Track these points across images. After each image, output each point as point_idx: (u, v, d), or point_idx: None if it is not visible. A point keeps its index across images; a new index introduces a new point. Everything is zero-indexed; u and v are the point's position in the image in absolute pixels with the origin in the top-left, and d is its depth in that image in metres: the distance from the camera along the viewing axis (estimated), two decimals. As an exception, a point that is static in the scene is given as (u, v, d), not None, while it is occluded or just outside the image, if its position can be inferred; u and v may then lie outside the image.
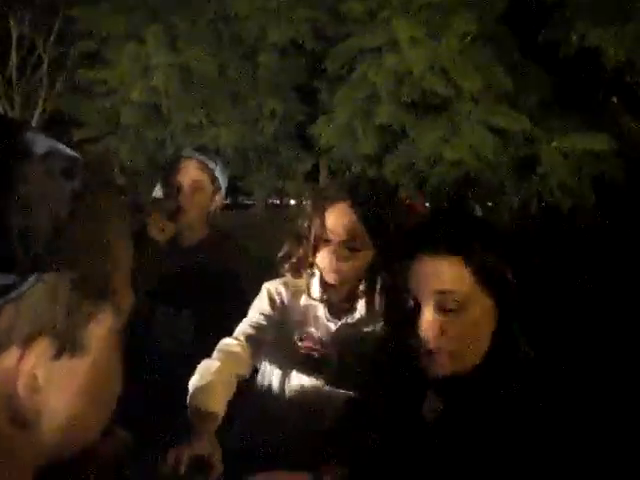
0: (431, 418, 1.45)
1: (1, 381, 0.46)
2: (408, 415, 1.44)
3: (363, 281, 1.83)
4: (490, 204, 4.72)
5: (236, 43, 4.97)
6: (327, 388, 1.85)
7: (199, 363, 1.82)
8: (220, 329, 1.90)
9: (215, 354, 1.80)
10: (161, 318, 2.18)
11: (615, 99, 5.20)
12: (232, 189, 5.24)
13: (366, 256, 1.79)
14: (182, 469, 1.42)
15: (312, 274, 1.90)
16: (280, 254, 1.92)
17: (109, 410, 0.57)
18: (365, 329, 1.86)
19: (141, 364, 1.81)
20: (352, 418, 1.62)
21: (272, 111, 4.80)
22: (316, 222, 1.79)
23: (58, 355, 0.48)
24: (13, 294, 0.45)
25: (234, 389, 1.73)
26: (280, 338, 1.90)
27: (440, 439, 1.39)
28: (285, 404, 1.90)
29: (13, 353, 0.46)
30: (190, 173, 2.26)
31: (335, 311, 1.88)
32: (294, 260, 1.91)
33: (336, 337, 1.86)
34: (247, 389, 1.95)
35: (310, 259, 1.86)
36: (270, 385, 1.95)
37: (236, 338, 1.84)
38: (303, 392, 1.89)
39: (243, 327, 1.89)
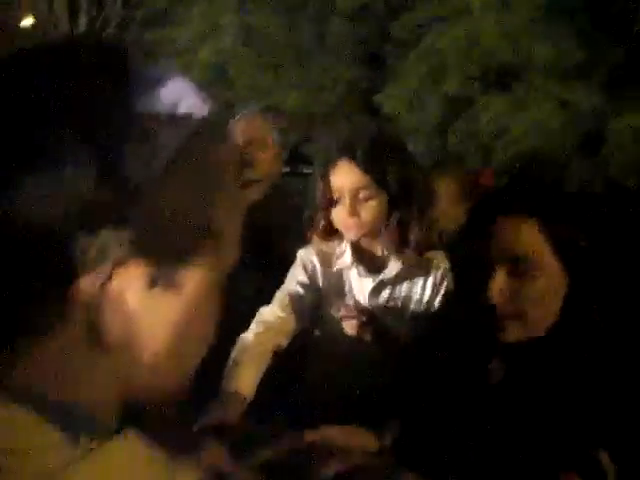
0: (494, 381, 1.46)
1: (90, 296, 0.45)
2: (470, 377, 1.45)
3: (388, 230, 1.82)
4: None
5: (305, 7, 4.95)
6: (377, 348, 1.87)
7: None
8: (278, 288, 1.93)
9: (253, 326, 1.81)
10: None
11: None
12: (292, 157, 5.20)
13: (380, 201, 1.77)
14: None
15: (340, 238, 1.90)
16: (304, 222, 1.93)
17: (195, 361, 0.54)
18: (406, 282, 1.86)
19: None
20: (409, 375, 1.63)
21: (338, 77, 4.77)
22: (323, 184, 1.79)
23: (152, 284, 0.47)
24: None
25: (268, 363, 1.75)
26: (318, 306, 1.91)
27: (499, 404, 1.40)
28: (342, 359, 1.92)
29: (106, 270, 0.44)
30: (254, 130, 2.30)
31: (371, 269, 1.87)
32: (316, 226, 1.91)
33: (374, 296, 1.86)
34: (304, 346, 1.98)
35: (328, 222, 1.85)
36: (325, 344, 1.97)
37: (274, 308, 1.85)
38: (355, 353, 1.90)
39: (281, 295, 1.89)
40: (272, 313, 1.82)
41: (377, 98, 4.56)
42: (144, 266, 0.45)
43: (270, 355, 1.76)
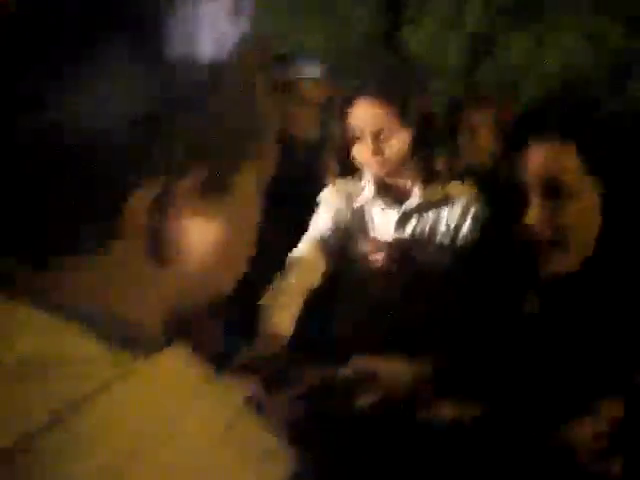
0: (531, 312, 1.43)
1: (145, 208, 0.46)
2: (505, 309, 1.43)
3: (412, 163, 1.83)
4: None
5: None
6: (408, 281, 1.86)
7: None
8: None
9: (286, 269, 1.82)
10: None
11: None
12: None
13: (403, 137, 1.78)
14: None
15: (361, 174, 1.91)
16: (323, 161, 1.95)
17: (241, 269, 0.57)
18: (431, 212, 1.86)
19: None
20: (441, 306, 1.62)
21: (358, 18, 4.68)
22: (343, 123, 1.80)
23: (204, 192, 0.48)
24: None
25: (302, 303, 1.76)
26: (345, 245, 1.92)
27: (538, 334, 1.38)
28: (372, 295, 1.92)
29: (161, 181, 0.45)
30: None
31: (394, 202, 1.88)
32: (336, 165, 1.92)
33: (399, 228, 1.86)
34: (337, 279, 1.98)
35: (349, 160, 1.86)
36: (356, 280, 1.97)
37: (303, 250, 1.86)
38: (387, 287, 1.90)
39: (308, 238, 1.91)
40: (302, 255, 1.84)
41: (398, 40, 4.48)
42: (197, 174, 0.47)
43: (305, 295, 1.77)
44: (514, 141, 1.31)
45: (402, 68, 2.01)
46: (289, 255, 1.86)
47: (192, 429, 0.43)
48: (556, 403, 1.26)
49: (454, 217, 1.87)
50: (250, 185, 0.53)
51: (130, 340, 0.47)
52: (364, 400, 1.39)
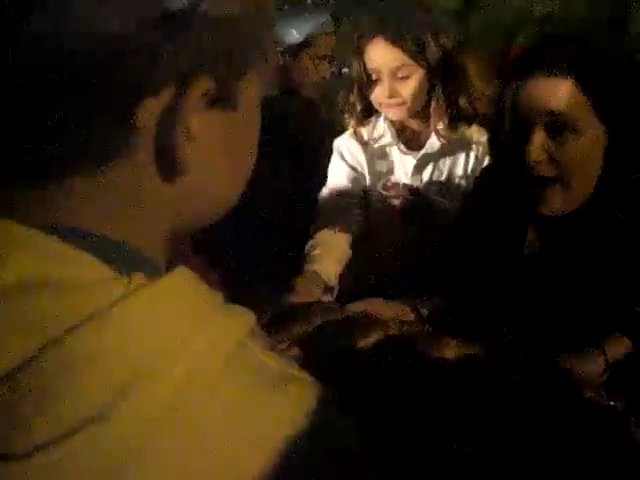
0: (531, 251, 1.44)
1: (155, 118, 0.45)
2: (506, 248, 1.43)
3: (437, 104, 1.80)
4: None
5: None
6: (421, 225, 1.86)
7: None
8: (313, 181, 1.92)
9: (320, 223, 1.82)
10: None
11: None
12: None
13: (418, 77, 1.75)
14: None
15: (377, 118, 1.88)
16: (339, 107, 1.91)
17: (245, 181, 0.56)
18: (449, 157, 1.84)
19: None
20: (450, 251, 1.63)
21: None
22: (358, 65, 1.76)
23: (212, 103, 0.47)
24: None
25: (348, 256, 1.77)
26: (365, 191, 1.91)
27: (540, 272, 1.39)
28: (385, 237, 1.93)
29: (170, 91, 0.44)
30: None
31: (412, 146, 1.87)
32: (352, 109, 1.88)
33: (417, 173, 1.85)
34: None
35: (366, 103, 1.83)
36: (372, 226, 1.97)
37: (327, 219, 1.84)
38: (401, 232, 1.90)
39: (327, 195, 1.89)
40: (330, 233, 1.82)
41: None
42: (205, 83, 0.45)
43: (349, 249, 1.77)
44: (515, 75, 1.30)
45: (415, 7, 1.96)
46: (320, 204, 1.85)
47: (202, 349, 0.42)
48: (560, 340, 1.27)
49: (471, 162, 1.85)
50: (253, 96, 0.52)
51: (132, 262, 0.47)
52: (366, 340, 1.40)
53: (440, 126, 1.83)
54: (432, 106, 1.82)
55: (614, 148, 1.28)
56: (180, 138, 0.46)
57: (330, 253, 1.75)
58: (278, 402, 0.44)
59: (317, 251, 1.74)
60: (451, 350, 1.25)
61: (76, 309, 0.41)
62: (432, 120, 1.84)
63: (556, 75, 1.25)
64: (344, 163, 1.92)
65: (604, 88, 1.26)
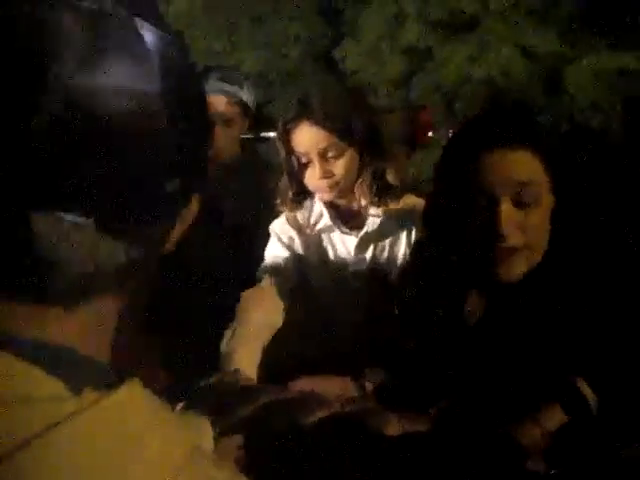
0: (472, 321, 1.46)
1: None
2: (448, 317, 1.45)
3: (363, 181, 1.80)
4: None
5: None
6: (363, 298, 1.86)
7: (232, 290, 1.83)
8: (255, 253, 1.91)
9: (243, 307, 1.79)
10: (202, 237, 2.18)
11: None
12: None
13: (349, 155, 1.74)
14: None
15: (312, 201, 1.86)
16: (270, 191, 1.88)
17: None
18: (392, 231, 1.84)
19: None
20: (390, 324, 1.64)
21: (295, 35, 4.71)
22: (286, 149, 1.74)
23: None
24: None
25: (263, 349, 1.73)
26: (303, 275, 1.89)
27: (481, 342, 1.41)
28: (325, 316, 1.92)
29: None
30: (220, 110, 2.18)
31: (352, 225, 1.85)
32: (283, 195, 1.86)
33: (359, 253, 1.84)
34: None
35: (298, 188, 1.82)
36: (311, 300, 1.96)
37: (260, 285, 1.82)
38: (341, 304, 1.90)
39: (262, 273, 1.87)
40: (259, 293, 1.78)
41: (336, 54, 4.51)
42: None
43: (267, 340, 1.73)
44: (470, 148, 1.33)
45: (341, 86, 1.99)
46: (244, 293, 1.82)
47: (151, 464, 0.43)
48: (501, 407, 1.28)
49: (413, 233, 1.84)
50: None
51: (84, 377, 0.47)
52: (312, 417, 1.39)
53: (375, 202, 1.83)
54: (357, 184, 1.81)
55: (561, 209, 1.32)
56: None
57: (252, 352, 1.71)
58: None
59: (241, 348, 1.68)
60: (394, 427, 1.25)
61: (27, 425, 0.41)
62: (360, 198, 1.83)
63: (517, 146, 1.30)
64: (281, 248, 1.91)
65: (555, 154, 1.31)
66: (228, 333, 1.72)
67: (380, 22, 4.26)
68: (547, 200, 1.31)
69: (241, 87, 2.20)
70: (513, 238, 1.29)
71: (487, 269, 1.35)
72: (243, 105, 2.18)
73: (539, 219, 1.30)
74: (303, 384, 1.44)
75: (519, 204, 1.30)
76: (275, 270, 1.85)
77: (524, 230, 1.30)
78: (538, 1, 4.29)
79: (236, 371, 1.62)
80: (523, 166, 1.29)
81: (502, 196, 1.30)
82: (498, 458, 1.21)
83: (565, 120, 4.34)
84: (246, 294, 1.81)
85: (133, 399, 0.46)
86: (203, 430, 0.50)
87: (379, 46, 4.23)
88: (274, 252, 1.89)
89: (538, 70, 4.33)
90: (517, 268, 1.34)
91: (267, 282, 1.83)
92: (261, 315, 1.74)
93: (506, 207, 1.29)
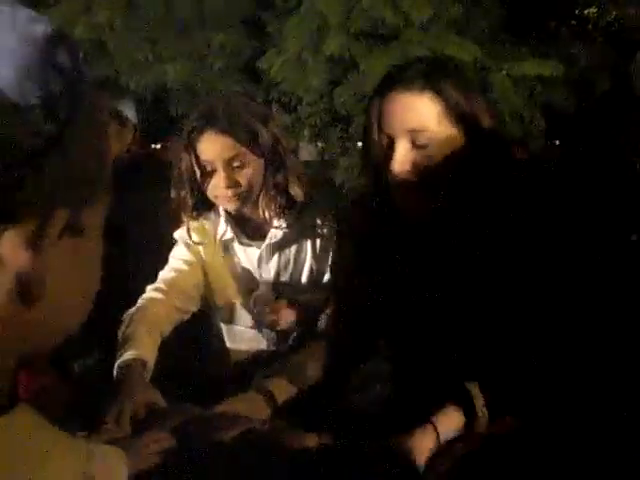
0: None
1: (15, 256, 0.47)
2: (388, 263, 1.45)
3: (267, 193, 1.80)
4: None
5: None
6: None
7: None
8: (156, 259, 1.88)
9: (140, 302, 1.77)
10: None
11: (566, 29, 5.18)
12: (180, 129, 5.09)
13: (255, 165, 1.75)
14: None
15: (216, 213, 1.86)
16: (173, 204, 1.87)
17: (90, 303, 0.59)
18: (294, 242, 1.84)
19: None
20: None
21: (220, 46, 4.68)
22: (191, 160, 1.74)
23: (63, 233, 0.51)
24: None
25: (162, 335, 1.71)
26: (207, 283, 1.88)
27: (422, 281, 1.41)
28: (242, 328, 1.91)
29: (30, 225, 0.47)
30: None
31: (254, 237, 1.85)
32: (184, 205, 1.86)
33: (263, 264, 1.83)
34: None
35: (199, 198, 1.81)
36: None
37: (160, 289, 1.80)
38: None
39: (165, 276, 1.86)
40: (158, 297, 1.76)
41: (260, 64, 4.50)
42: (65, 215, 0.51)
43: (164, 326, 1.71)
44: (378, 91, 1.36)
45: (247, 97, 1.98)
46: (140, 299, 1.80)
47: None
48: (393, 418, 1.30)
49: (317, 243, 1.85)
50: (99, 222, 0.57)
51: None
52: (229, 433, 1.40)
53: (273, 215, 1.83)
54: (261, 195, 1.81)
55: (469, 147, 1.36)
56: (39, 266, 0.49)
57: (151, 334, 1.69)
58: None
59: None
60: (300, 442, 1.26)
61: None
62: (262, 209, 1.84)
63: (416, 91, 1.35)
64: (186, 253, 1.90)
65: (461, 103, 1.35)
66: (126, 318, 1.71)
67: (304, 33, 4.26)
68: (451, 143, 1.35)
69: (120, 100, 2.19)
70: (407, 175, 1.34)
71: (388, 204, 1.39)
72: (121, 119, 2.16)
73: (438, 159, 1.34)
74: (221, 407, 1.45)
75: (415, 145, 1.36)
76: (177, 271, 1.83)
77: (420, 168, 1.34)
78: (459, 12, 4.36)
79: (134, 361, 1.59)
80: (419, 112, 1.35)
81: (399, 138, 1.36)
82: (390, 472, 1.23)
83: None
84: (141, 299, 1.79)
85: (23, 423, 0.46)
86: (93, 456, 0.50)
87: (302, 56, 4.22)
88: (179, 255, 1.87)
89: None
90: (416, 204, 1.38)
91: (166, 279, 1.80)
92: (149, 322, 1.73)
93: (401, 148, 1.35)
